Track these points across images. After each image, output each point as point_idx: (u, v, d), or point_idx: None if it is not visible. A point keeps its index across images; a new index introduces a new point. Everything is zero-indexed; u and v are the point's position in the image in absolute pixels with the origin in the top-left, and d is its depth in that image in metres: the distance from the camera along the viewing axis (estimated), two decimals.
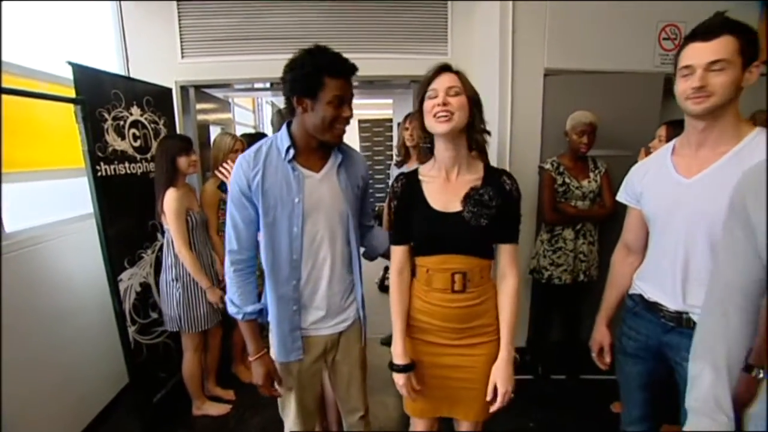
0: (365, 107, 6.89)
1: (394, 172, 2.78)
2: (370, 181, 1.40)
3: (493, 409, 1.18)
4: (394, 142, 3.37)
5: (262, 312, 1.27)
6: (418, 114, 1.17)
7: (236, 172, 1.17)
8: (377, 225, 1.50)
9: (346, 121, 1.15)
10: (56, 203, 2.13)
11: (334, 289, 1.27)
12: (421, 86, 1.16)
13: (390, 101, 5.11)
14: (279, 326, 1.24)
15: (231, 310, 1.24)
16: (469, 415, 1.26)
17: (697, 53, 1.01)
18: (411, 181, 1.24)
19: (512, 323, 1.18)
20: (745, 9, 2.33)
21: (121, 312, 1.92)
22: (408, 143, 2.54)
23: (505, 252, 1.20)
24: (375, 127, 7.70)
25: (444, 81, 1.11)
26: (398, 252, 1.26)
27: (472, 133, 1.15)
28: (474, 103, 1.13)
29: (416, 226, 1.20)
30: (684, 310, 1.10)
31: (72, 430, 1.99)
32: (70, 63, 1.73)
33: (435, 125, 1.11)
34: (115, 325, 1.92)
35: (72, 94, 1.75)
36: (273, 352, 1.28)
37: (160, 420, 2.13)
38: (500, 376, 1.16)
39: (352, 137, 7.40)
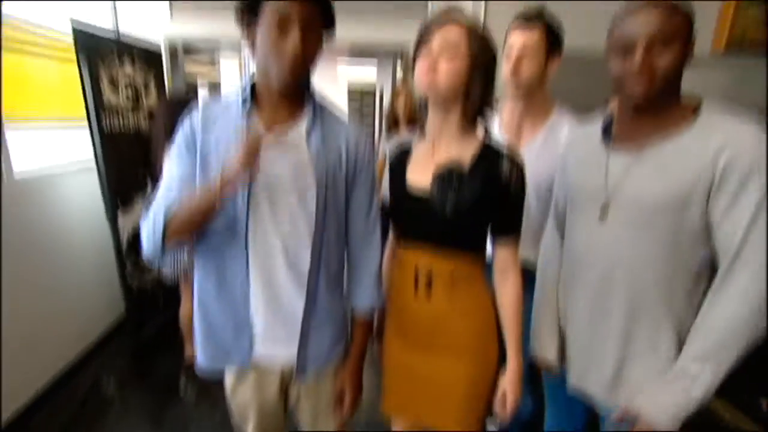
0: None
1: (384, 146, 2.87)
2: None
3: (502, 419, 1.04)
4: (376, 110, 3.52)
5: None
6: (412, 71, 1.02)
7: (186, 117, 0.97)
8: (379, 240, 1.08)
9: (293, 55, 0.85)
10: (52, 150, 2.38)
11: (283, 307, 0.99)
12: (417, 37, 0.99)
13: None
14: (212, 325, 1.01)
15: (153, 227, 0.90)
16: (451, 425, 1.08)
17: (516, 39, 1.30)
18: (404, 149, 1.12)
19: (518, 329, 1.02)
20: None
21: (119, 247, 2.22)
22: (399, 111, 2.61)
23: (499, 249, 1.03)
24: (365, 96, 7.86)
25: (444, 36, 0.94)
26: (392, 230, 1.15)
27: (467, 102, 0.98)
28: (478, 68, 0.95)
29: (393, 202, 1.09)
30: None
31: (70, 353, 2.33)
32: (72, 20, 1.95)
33: (419, 83, 0.97)
34: (109, 265, 2.23)
35: (67, 49, 1.96)
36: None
37: (148, 355, 2.48)
38: (511, 390, 1.01)
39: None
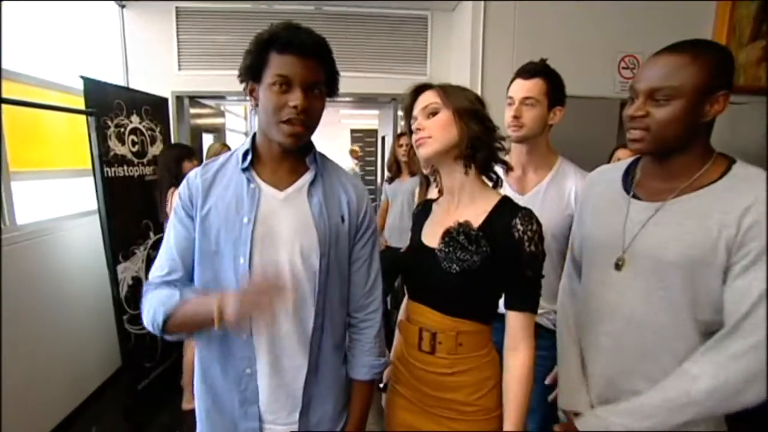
0: (355, 117, 7.25)
1: (386, 188, 3.10)
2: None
3: None
4: (379, 156, 3.69)
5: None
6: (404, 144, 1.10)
7: (182, 184, 0.94)
8: (377, 308, 1.04)
9: (297, 113, 0.84)
10: (58, 200, 2.43)
11: (285, 370, 0.94)
12: (404, 111, 1.05)
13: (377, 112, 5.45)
14: (218, 402, 0.96)
15: (152, 318, 0.86)
16: None
17: (517, 88, 1.32)
18: (426, 208, 1.13)
19: (520, 406, 0.92)
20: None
21: (119, 299, 2.21)
22: (401, 159, 2.81)
23: (512, 321, 0.94)
24: (367, 137, 8.06)
25: (421, 102, 0.98)
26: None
27: (474, 156, 0.96)
28: (466, 115, 0.94)
29: (404, 253, 1.09)
30: None
31: (67, 406, 2.27)
32: (82, 77, 2.04)
33: (416, 150, 1.00)
34: (107, 313, 2.21)
35: (76, 101, 2.06)
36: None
37: (143, 407, 2.40)
38: None
39: (342, 151, 7.67)
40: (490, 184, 1.04)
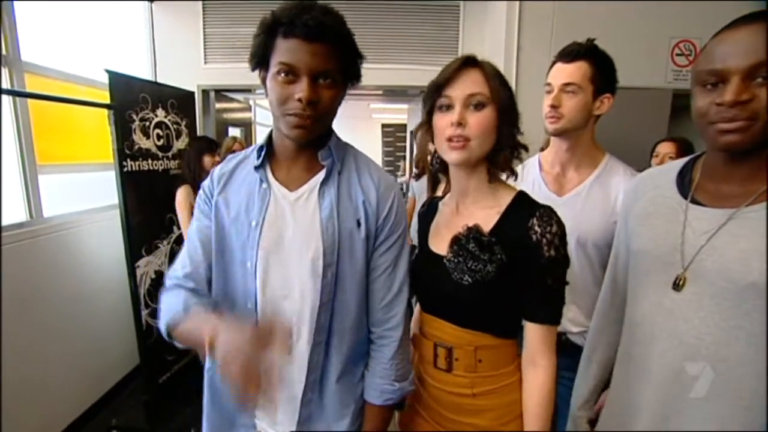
0: (386, 111, 7.17)
1: (413, 185, 2.97)
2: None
3: None
4: (407, 152, 3.57)
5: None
6: (426, 126, 0.90)
7: (207, 178, 0.92)
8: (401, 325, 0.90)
9: (303, 106, 0.75)
10: (83, 194, 2.49)
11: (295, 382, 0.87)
12: (430, 88, 0.88)
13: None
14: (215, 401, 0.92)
15: (161, 324, 0.84)
16: None
17: (556, 73, 1.15)
18: (431, 208, 1.03)
19: (544, 423, 0.84)
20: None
21: (137, 294, 2.23)
22: (430, 154, 2.67)
23: (531, 333, 0.85)
24: (398, 132, 7.97)
25: (465, 84, 0.82)
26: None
27: (496, 156, 0.86)
28: (504, 113, 0.83)
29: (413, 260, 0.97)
30: (561, 331, 1.09)
31: (87, 399, 2.32)
32: (106, 71, 2.06)
33: (446, 151, 0.86)
34: (128, 307, 2.23)
35: (104, 95, 2.09)
36: None
37: (165, 399, 2.43)
38: None
39: (374, 146, 7.62)
40: (504, 176, 0.91)
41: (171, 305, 0.83)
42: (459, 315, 0.87)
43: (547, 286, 0.82)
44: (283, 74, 0.75)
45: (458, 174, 0.91)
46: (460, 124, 0.81)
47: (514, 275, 0.82)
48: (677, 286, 0.78)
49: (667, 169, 0.89)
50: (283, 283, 0.83)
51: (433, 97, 0.87)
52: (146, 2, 2.91)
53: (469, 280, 0.82)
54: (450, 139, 0.83)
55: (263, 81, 0.82)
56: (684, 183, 0.82)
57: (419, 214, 1.06)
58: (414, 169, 3.06)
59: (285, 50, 0.75)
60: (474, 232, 0.84)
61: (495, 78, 0.83)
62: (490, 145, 0.84)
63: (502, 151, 0.85)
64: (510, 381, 0.88)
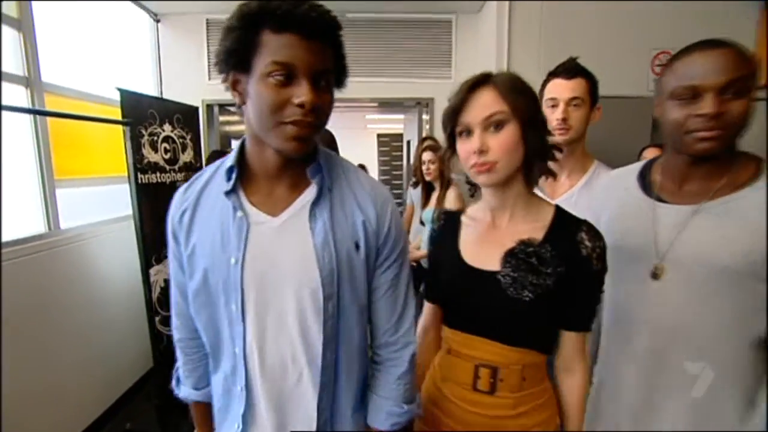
0: (381, 122, 7.32)
1: (411, 193, 3.04)
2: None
3: None
4: (404, 161, 3.68)
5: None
6: (450, 151, 0.88)
7: (168, 222, 0.83)
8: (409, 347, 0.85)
9: (305, 113, 0.66)
10: (94, 206, 2.59)
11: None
12: (447, 114, 0.85)
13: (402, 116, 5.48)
14: None
15: (174, 382, 0.92)
16: None
17: (561, 88, 1.26)
18: (450, 222, 0.98)
19: (578, 425, 0.87)
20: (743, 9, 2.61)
21: (150, 301, 2.33)
22: (427, 177, 2.64)
23: (569, 341, 0.86)
24: (394, 142, 8.10)
25: (479, 108, 0.80)
26: (427, 309, 1.03)
27: (529, 168, 0.84)
28: (528, 124, 0.80)
29: (442, 281, 0.94)
30: None
31: (103, 403, 2.40)
32: (118, 89, 2.19)
33: (474, 176, 0.84)
34: (141, 313, 2.33)
35: (112, 111, 2.21)
36: None
37: (177, 405, 2.51)
38: None
39: (369, 155, 7.72)
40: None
41: (194, 366, 0.91)
42: (510, 333, 0.84)
43: (591, 296, 0.85)
44: (278, 76, 0.64)
45: (492, 189, 0.87)
46: (482, 151, 0.79)
47: (568, 288, 0.81)
48: (655, 275, 0.90)
49: (630, 171, 1.02)
50: (276, 322, 0.74)
51: (451, 122, 0.84)
52: (153, 22, 3.05)
53: (530, 295, 0.80)
54: (474, 165, 0.81)
55: (234, 86, 0.70)
56: (646, 184, 0.96)
57: (435, 230, 1.02)
58: (412, 178, 3.19)
59: (279, 47, 0.64)
60: (531, 245, 0.82)
61: (512, 91, 0.79)
62: (519, 160, 0.81)
63: (534, 162, 0.83)
64: (547, 396, 0.88)
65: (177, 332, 0.88)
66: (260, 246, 0.74)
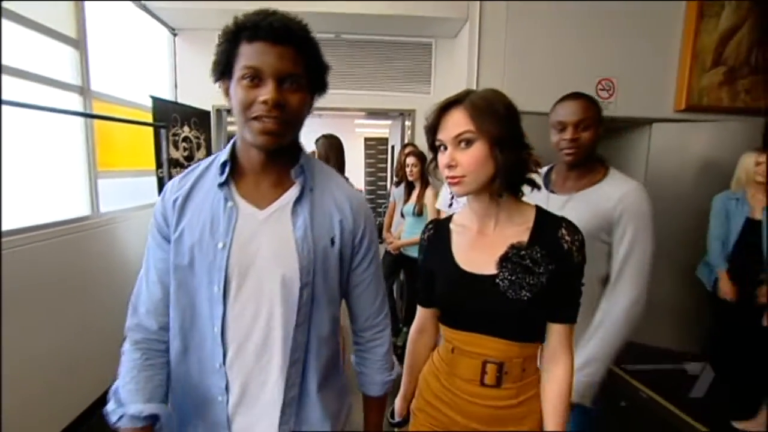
0: (369, 126, 7.82)
1: (394, 191, 3.53)
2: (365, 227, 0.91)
3: None
4: (388, 164, 4.14)
5: (157, 422, 0.84)
6: (434, 162, 0.96)
7: (158, 201, 0.88)
8: (382, 337, 1.00)
9: (268, 109, 0.74)
10: (124, 196, 3.00)
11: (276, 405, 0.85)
12: (426, 131, 0.95)
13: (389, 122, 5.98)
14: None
15: (109, 406, 0.83)
16: None
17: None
18: (440, 230, 1.04)
19: (562, 415, 0.91)
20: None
21: None
22: (409, 178, 3.15)
23: (556, 333, 0.93)
24: (380, 145, 8.61)
25: (450, 127, 0.88)
26: (422, 312, 1.10)
27: (497, 181, 0.89)
28: (497, 142, 0.86)
29: (439, 287, 1.00)
30: None
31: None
32: (151, 96, 2.63)
33: (449, 185, 0.92)
34: None
35: (138, 113, 2.61)
36: None
37: None
38: None
39: (356, 157, 8.21)
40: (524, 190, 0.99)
41: (141, 377, 0.84)
42: (512, 330, 0.91)
43: (574, 288, 0.92)
44: (248, 79, 0.74)
45: (474, 198, 0.96)
46: (451, 166, 0.89)
47: (557, 282, 0.89)
48: None
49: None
50: (255, 304, 0.82)
51: (431, 137, 0.94)
52: (170, 35, 3.48)
53: (528, 294, 0.87)
54: (447, 177, 0.91)
55: (226, 92, 0.81)
56: (547, 181, 1.47)
57: (427, 239, 1.08)
58: (394, 178, 3.69)
59: (250, 54, 0.74)
60: (521, 248, 0.89)
61: (481, 112, 0.86)
62: (488, 174, 0.88)
63: (501, 176, 0.88)
64: (538, 385, 0.96)
65: (138, 332, 0.88)
66: (246, 234, 0.82)
